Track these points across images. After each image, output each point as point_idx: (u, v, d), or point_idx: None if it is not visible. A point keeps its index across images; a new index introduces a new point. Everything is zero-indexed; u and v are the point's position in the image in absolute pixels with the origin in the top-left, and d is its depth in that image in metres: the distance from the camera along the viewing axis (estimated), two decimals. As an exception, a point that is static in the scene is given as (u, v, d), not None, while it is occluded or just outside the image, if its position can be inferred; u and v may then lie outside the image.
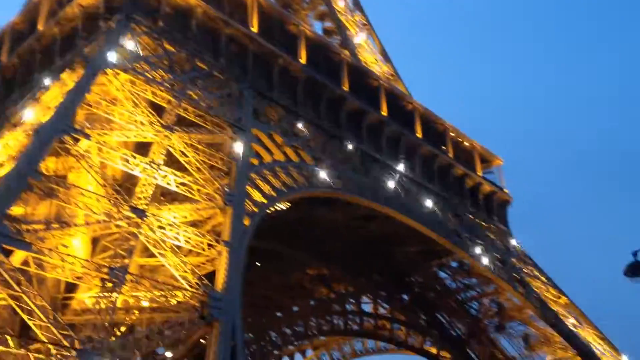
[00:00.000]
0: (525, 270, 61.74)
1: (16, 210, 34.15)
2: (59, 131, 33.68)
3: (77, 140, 34.57)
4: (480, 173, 66.87)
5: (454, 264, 64.90)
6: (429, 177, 61.07)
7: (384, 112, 59.51)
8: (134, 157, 36.90)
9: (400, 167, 58.25)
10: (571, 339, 57.68)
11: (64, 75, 40.98)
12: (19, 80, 48.86)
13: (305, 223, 60.20)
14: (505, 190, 68.76)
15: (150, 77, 41.21)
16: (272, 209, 43.65)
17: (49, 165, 36.28)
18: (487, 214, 65.70)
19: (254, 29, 51.25)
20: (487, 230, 63.49)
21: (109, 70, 38.89)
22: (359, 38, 69.45)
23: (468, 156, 67.06)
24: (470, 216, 62.11)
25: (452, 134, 65.60)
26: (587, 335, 60.61)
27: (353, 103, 56.82)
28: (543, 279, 63.50)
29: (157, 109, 40.98)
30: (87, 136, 34.94)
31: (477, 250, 57.90)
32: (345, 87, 57.06)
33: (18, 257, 31.99)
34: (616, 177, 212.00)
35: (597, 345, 60.49)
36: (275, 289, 71.71)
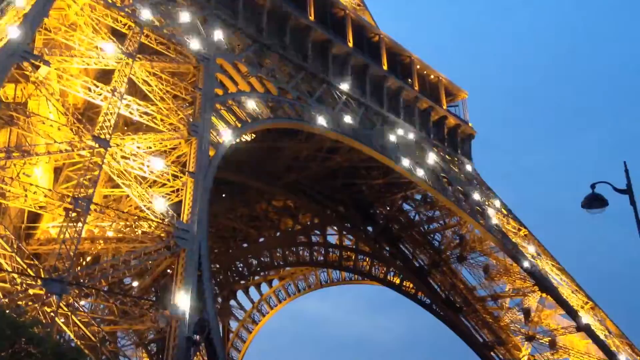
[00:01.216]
0: (487, 203, 63.01)
1: (-26, 138, 33.30)
2: (17, 57, 32.53)
3: (36, 67, 33.48)
4: (445, 106, 67.12)
5: (417, 197, 65.80)
6: (395, 110, 61.10)
7: (350, 43, 58.83)
8: (96, 86, 36.02)
9: (365, 99, 58.08)
10: (530, 270, 59.59)
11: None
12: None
13: (269, 154, 60.16)
14: (470, 124, 69.33)
15: (111, 1, 39.81)
16: (237, 140, 43.36)
17: (8, 92, 35.21)
18: (451, 147, 66.34)
19: (218, -46, 49.53)
20: (451, 163, 64.26)
21: (67, -6, 37.39)
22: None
23: (434, 89, 67.11)
24: (435, 149, 62.62)
25: (418, 67, 65.37)
26: (545, 265, 62.66)
27: (318, 33, 55.98)
28: (504, 211, 64.99)
29: (119, 36, 39.81)
30: (47, 63, 33.85)
31: (439, 182, 58.70)
32: (311, 17, 56.07)
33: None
34: (583, 110, 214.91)
35: (555, 276, 62.69)
36: (241, 220, 72.18)
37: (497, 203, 65.09)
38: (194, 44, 43.45)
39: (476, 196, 61.67)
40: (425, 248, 66.75)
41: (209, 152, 38.94)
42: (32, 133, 32.60)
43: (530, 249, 62.55)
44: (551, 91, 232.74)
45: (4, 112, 31.01)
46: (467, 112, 69.28)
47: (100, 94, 35.97)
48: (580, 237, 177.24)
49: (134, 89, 40.63)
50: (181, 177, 36.57)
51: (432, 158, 59.95)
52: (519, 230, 64.35)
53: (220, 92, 43.71)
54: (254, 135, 47.98)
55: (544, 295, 59.98)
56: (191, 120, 39.23)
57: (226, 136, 41.26)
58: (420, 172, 56.48)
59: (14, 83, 34.89)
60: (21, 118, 31.98)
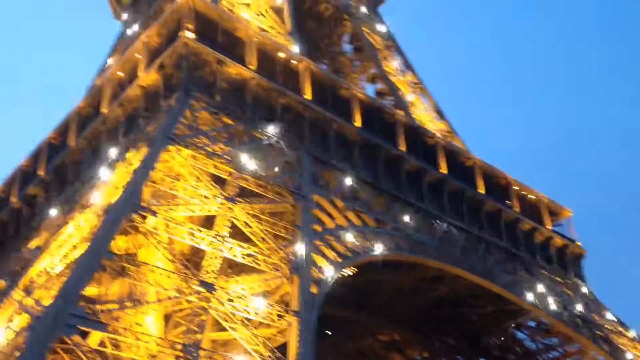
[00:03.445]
0: (608, 327, 58.46)
1: (90, 290, 34.54)
2: (128, 210, 34.20)
3: (144, 217, 35.04)
4: (549, 226, 64.59)
5: (531, 324, 62.04)
6: (496, 234, 59.31)
7: (443, 170, 58.65)
8: (200, 231, 37.10)
9: (465, 224, 56.89)
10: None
11: (129, 155, 41.94)
12: (86, 163, 50.26)
13: (371, 287, 58.96)
14: (578, 242, 66.10)
15: (211, 150, 41.76)
16: (339, 276, 42.92)
17: (120, 244, 36.69)
18: (561, 268, 63.08)
19: (307, 96, 51.79)
20: (563, 286, 60.81)
21: (171, 147, 39.65)
22: (412, 97, 69.49)
23: (535, 209, 65.03)
24: (544, 272, 59.70)
25: (516, 187, 63.95)
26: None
27: (411, 162, 56.26)
28: (629, 335, 59.86)
29: (219, 181, 41.38)
30: (154, 213, 35.38)
31: (553, 306, 55.32)
32: (402, 147, 56.64)
33: (94, 338, 32.10)
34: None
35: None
36: (349, 357, 69.86)
37: (632, 333, 59.95)
38: (291, 183, 44.50)
39: (596, 320, 57.50)
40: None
41: (311, 289, 38.66)
42: (143, 282, 33.51)
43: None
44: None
45: (117, 263, 32.24)
46: (574, 230, 66.40)
47: (204, 239, 36.94)
48: None
49: (235, 231, 41.53)
50: (285, 317, 36.23)
51: (542, 281, 57.02)
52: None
53: (318, 228, 44.01)
54: (355, 269, 47.39)
55: None
56: (292, 258, 39.40)
57: (328, 272, 40.99)
58: (530, 297, 53.63)
59: (124, 235, 36.41)
60: (132, 268, 33.10)
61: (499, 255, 56.90)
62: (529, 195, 65.31)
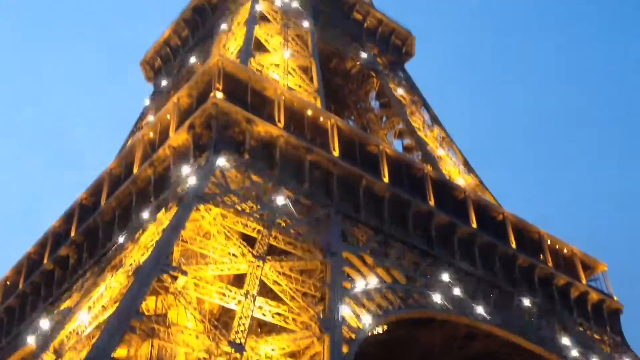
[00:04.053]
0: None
1: (120, 352, 34.36)
2: (158, 270, 34.29)
3: (175, 277, 35.05)
4: (584, 281, 63.06)
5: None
6: (530, 289, 58.02)
7: (474, 224, 57.98)
8: (230, 290, 36.99)
9: (498, 280, 55.83)
10: None
11: (160, 215, 42.36)
12: (117, 223, 50.80)
13: (402, 345, 57.72)
14: (615, 297, 64.31)
15: (240, 209, 41.96)
16: (369, 334, 42.18)
17: (150, 304, 36.72)
18: (598, 324, 61.25)
19: (336, 152, 52.05)
20: (601, 343, 58.91)
21: (201, 206, 39.95)
22: (440, 152, 69.51)
23: (569, 263, 63.65)
24: (580, 328, 58.00)
25: (549, 242, 62.83)
26: None
27: (441, 217, 55.75)
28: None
29: (248, 239, 41.40)
30: (184, 273, 35.46)
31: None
32: (432, 202, 56.29)
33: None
34: None
35: None
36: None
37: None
38: (320, 240, 44.30)
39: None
40: None
41: (342, 349, 37.95)
42: (172, 343, 33.36)
43: None
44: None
45: (146, 324, 32.15)
46: (610, 284, 64.65)
47: (234, 299, 36.79)
48: None
49: (264, 289, 41.29)
50: (316, 378, 35.56)
51: (579, 337, 55.33)
52: None
53: (348, 285, 43.54)
54: (386, 327, 46.59)
55: None
56: (322, 317, 38.89)
57: (358, 331, 40.29)
58: (567, 353, 51.98)
59: (154, 295, 36.43)
60: (161, 329, 32.96)
61: (533, 311, 55.51)
62: (563, 250, 64.06)
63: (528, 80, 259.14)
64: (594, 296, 62.49)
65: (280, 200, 44.97)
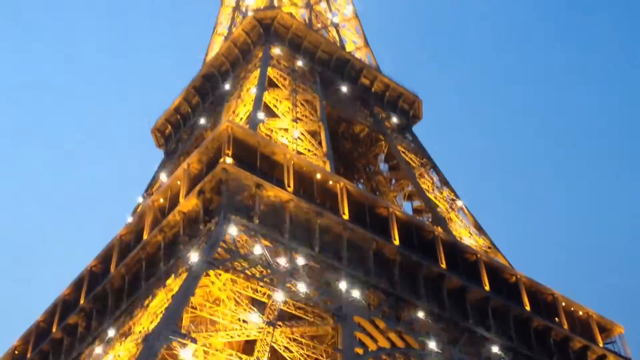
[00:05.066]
0: None
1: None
2: (166, 338, 33.84)
3: (184, 345, 34.56)
4: (601, 344, 61.58)
5: None
6: (547, 352, 56.67)
7: (487, 287, 57.16)
8: (240, 358, 36.39)
9: (513, 343, 54.64)
10: None
11: (169, 281, 42.15)
12: (126, 290, 50.49)
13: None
14: (633, 360, 62.70)
15: (250, 274, 41.72)
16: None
17: (158, 373, 36.03)
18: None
19: (345, 216, 51.98)
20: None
21: (211, 272, 39.76)
22: (450, 213, 69.30)
23: (585, 326, 62.32)
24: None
25: (564, 304, 61.69)
26: None
27: (453, 280, 55.07)
28: None
29: (258, 304, 41.00)
30: (194, 340, 35.00)
31: None
32: (443, 265, 55.71)
33: None
34: None
35: None
36: None
37: None
38: (331, 305, 43.78)
39: None
40: None
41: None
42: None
43: None
44: None
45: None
46: (628, 346, 63.05)
47: (244, 367, 36.13)
48: None
49: (275, 356, 40.61)
50: None
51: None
52: None
53: (360, 351, 42.75)
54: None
55: None
56: (335, 385, 38.09)
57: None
58: None
59: (163, 363, 35.92)
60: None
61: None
62: (578, 312, 62.81)
63: (541, 134, 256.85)
64: (612, 359, 60.91)
65: (291, 264, 44.71)
